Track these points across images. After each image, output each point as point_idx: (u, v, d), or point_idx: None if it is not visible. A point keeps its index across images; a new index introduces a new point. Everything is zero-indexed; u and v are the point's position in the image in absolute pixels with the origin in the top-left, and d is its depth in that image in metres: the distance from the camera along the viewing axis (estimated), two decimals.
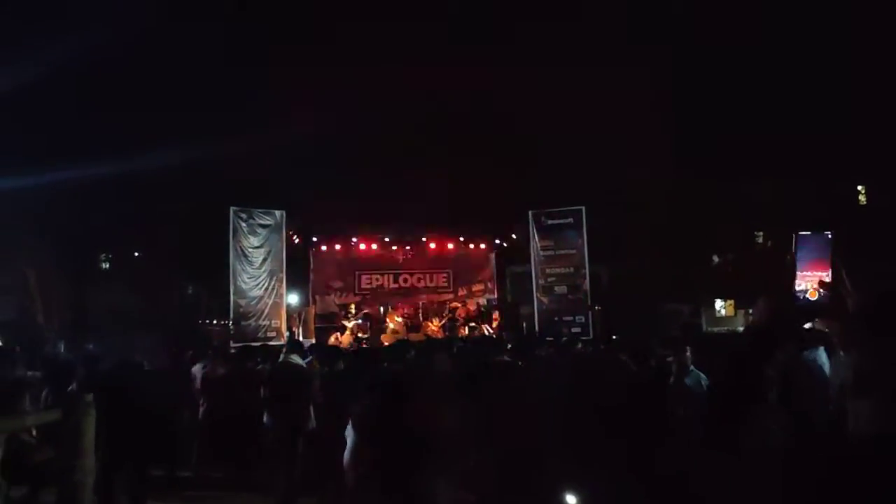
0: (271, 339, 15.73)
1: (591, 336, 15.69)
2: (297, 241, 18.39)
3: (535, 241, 17.76)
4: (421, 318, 18.68)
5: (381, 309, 19.11)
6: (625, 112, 20.74)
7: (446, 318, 18.59)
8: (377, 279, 20.12)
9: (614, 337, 13.73)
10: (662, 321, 19.52)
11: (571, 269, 17.45)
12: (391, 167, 22.64)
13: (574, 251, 17.47)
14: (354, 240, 19.60)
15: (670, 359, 6.47)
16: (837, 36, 21.02)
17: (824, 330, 4.98)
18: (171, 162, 20.63)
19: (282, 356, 7.45)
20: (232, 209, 16.29)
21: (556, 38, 22.47)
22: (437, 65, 21.86)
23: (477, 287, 20.34)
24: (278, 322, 16.53)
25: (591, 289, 17.39)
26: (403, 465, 4.47)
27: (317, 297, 19.59)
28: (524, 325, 17.71)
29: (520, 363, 6.95)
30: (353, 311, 18.43)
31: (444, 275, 20.32)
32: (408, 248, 20.01)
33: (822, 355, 5.39)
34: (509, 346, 8.88)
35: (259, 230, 16.59)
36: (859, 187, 26.71)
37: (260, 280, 16.40)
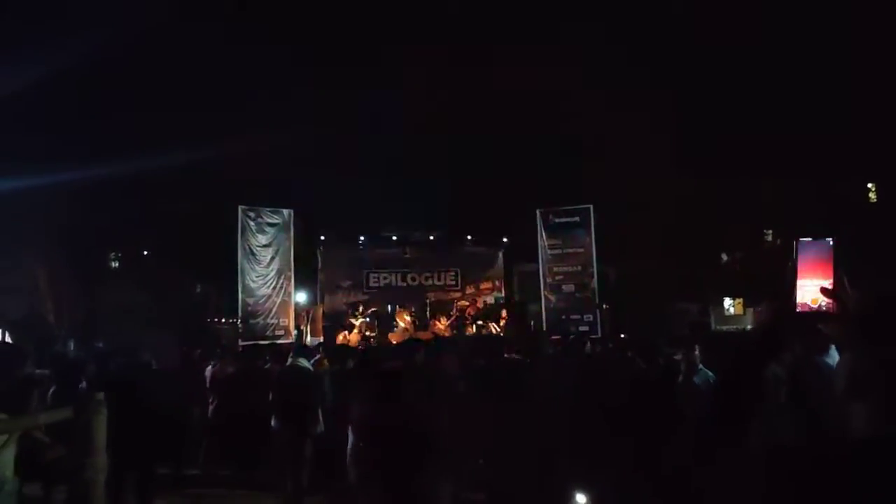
0: (279, 337, 15.80)
1: (599, 335, 15.67)
2: (305, 239, 18.43)
3: (543, 240, 17.73)
4: (429, 317, 18.68)
5: (389, 307, 19.13)
6: (633, 111, 20.69)
7: (454, 317, 18.59)
8: (385, 277, 20.12)
9: (622, 335, 13.72)
10: (671, 320, 19.49)
11: (579, 268, 17.42)
12: (399, 166, 22.68)
13: (582, 250, 17.44)
14: (362, 238, 19.61)
15: (677, 357, 6.45)
16: (846, 35, 20.89)
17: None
18: (179, 161, 20.71)
19: (289, 360, 7.46)
20: (240, 208, 16.35)
21: (565, 37, 22.43)
22: (444, 64, 21.86)
23: (485, 285, 20.32)
24: (286, 320, 16.58)
25: (598, 287, 17.35)
26: (404, 464, 4.47)
27: (325, 296, 19.64)
28: (532, 323, 17.69)
29: (528, 361, 6.94)
30: (361, 309, 18.46)
31: (452, 273, 20.30)
32: (416, 246, 20.01)
33: (834, 355, 5.36)
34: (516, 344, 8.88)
35: (267, 229, 16.65)
36: (869, 185, 26.54)
37: (268, 279, 16.46)
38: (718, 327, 25.15)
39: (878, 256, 15.64)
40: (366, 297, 19.64)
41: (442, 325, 18.03)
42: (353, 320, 17.88)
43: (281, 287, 16.57)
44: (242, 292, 16.06)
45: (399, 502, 4.52)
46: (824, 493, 1.85)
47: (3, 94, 16.06)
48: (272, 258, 16.59)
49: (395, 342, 15.28)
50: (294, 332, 16.53)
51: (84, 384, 6.81)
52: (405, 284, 20.05)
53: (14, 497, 3.64)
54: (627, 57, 21.67)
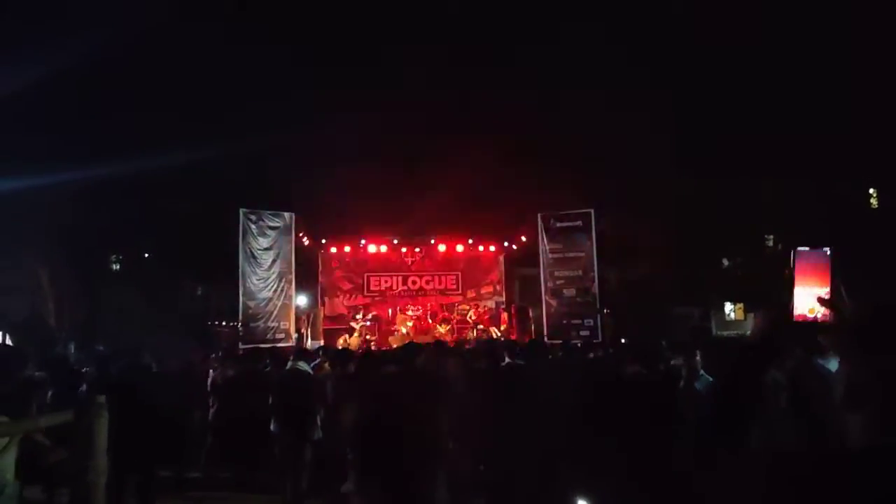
0: (280, 340, 15.79)
1: (600, 339, 15.65)
2: (306, 242, 18.44)
3: (544, 244, 17.74)
4: (429, 321, 18.68)
5: (390, 311, 19.13)
6: (634, 116, 20.71)
7: (455, 321, 18.59)
8: (386, 281, 20.12)
9: (623, 340, 13.70)
10: (672, 324, 19.47)
11: (580, 272, 17.42)
12: (400, 169, 22.70)
13: (583, 254, 17.44)
14: (363, 241, 19.62)
15: (674, 362, 6.43)
16: (847, 41, 20.91)
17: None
18: (180, 164, 20.76)
19: (289, 363, 7.47)
20: (241, 211, 16.37)
21: (568, 42, 22.46)
22: (445, 66, 21.90)
23: (485, 289, 20.31)
24: (287, 323, 16.58)
25: (599, 292, 17.35)
26: (404, 468, 4.47)
27: (325, 299, 19.63)
28: (533, 327, 17.69)
29: (528, 365, 6.93)
30: (362, 312, 18.46)
31: (453, 277, 20.29)
32: (417, 249, 20.01)
33: (834, 364, 5.37)
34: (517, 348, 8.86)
35: (268, 232, 16.66)
36: (871, 190, 26.53)
37: (269, 282, 16.46)
38: (719, 332, 25.14)
39: (875, 266, 15.62)
40: (367, 300, 19.65)
41: (443, 328, 18.04)
42: (353, 324, 17.89)
43: (282, 290, 16.58)
44: (243, 295, 16.06)
45: None
46: (823, 502, 1.86)
47: (4, 94, 16.11)
48: (273, 261, 16.60)
49: (395, 346, 15.27)
50: (295, 336, 16.52)
51: (84, 387, 6.82)
52: (406, 288, 20.05)
53: (15, 500, 3.64)
54: (629, 63, 21.70)
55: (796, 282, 10.77)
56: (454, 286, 20.24)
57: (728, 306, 30.82)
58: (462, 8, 24.09)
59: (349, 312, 18.91)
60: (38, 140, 19.45)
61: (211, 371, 9.02)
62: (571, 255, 17.55)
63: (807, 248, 11.32)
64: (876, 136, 20.78)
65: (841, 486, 1.89)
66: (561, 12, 23.65)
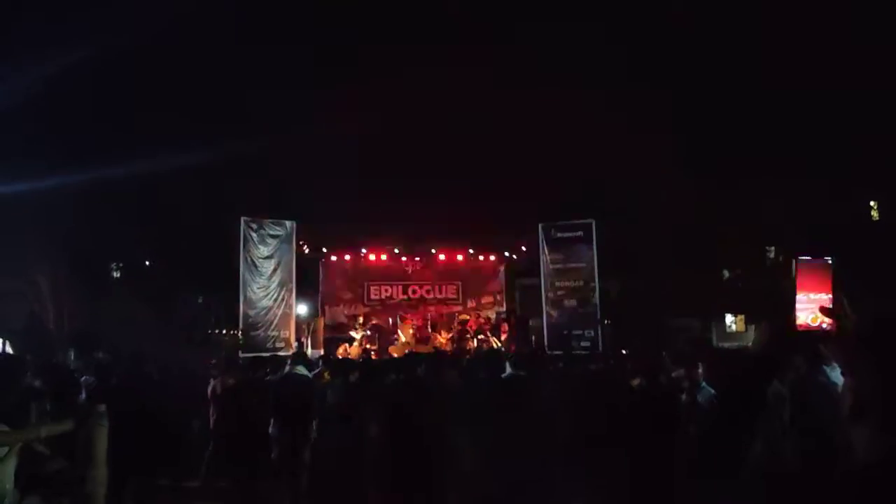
0: (280, 349, 15.75)
1: (601, 350, 15.61)
2: (306, 251, 18.43)
3: (545, 254, 17.72)
4: (430, 330, 18.65)
5: (390, 320, 19.10)
6: (636, 126, 20.75)
7: (455, 331, 18.56)
8: (386, 290, 20.11)
9: (624, 352, 13.66)
10: (672, 336, 19.43)
11: (581, 283, 17.39)
12: (401, 179, 22.73)
13: (584, 264, 17.41)
14: (364, 251, 19.62)
15: (674, 374, 6.40)
16: (849, 53, 20.96)
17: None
18: (182, 172, 20.79)
19: (287, 367, 7.46)
20: (242, 219, 16.37)
21: (569, 52, 22.52)
22: (447, 77, 21.95)
23: (486, 299, 20.29)
24: (287, 332, 16.55)
25: (600, 302, 17.32)
26: (413, 479, 4.46)
27: (326, 308, 19.61)
28: (533, 338, 17.64)
29: (528, 377, 6.91)
30: (362, 321, 18.43)
31: (454, 286, 20.28)
32: (417, 259, 20.01)
33: (836, 374, 5.35)
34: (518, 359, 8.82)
35: (269, 240, 16.66)
36: (872, 202, 26.54)
37: (270, 290, 16.45)
38: (720, 344, 25.06)
39: (877, 276, 15.61)
40: (367, 309, 19.62)
41: (443, 338, 18.00)
42: (353, 333, 17.85)
43: (282, 299, 16.56)
44: (244, 304, 16.04)
45: None
46: None
47: (7, 101, 16.16)
48: (274, 270, 16.58)
49: (395, 355, 15.24)
50: (295, 345, 16.48)
51: (83, 395, 6.79)
52: (406, 297, 20.03)
53: None
54: (630, 75, 21.76)
55: (798, 291, 10.76)
56: (454, 296, 20.22)
57: (729, 317, 30.77)
58: (462, 12, 24.20)
59: (349, 321, 18.87)
60: (39, 147, 19.49)
61: (211, 379, 9.00)
62: (572, 265, 17.53)
63: (808, 258, 11.32)
64: (878, 148, 20.81)
65: (847, 501, 1.88)
66: (560, 15, 23.71)
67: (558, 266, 17.61)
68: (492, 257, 20.16)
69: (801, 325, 9.89)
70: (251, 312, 16.10)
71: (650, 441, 4.97)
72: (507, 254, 20.08)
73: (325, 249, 19.41)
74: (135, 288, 24.03)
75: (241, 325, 16.06)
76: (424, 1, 25.21)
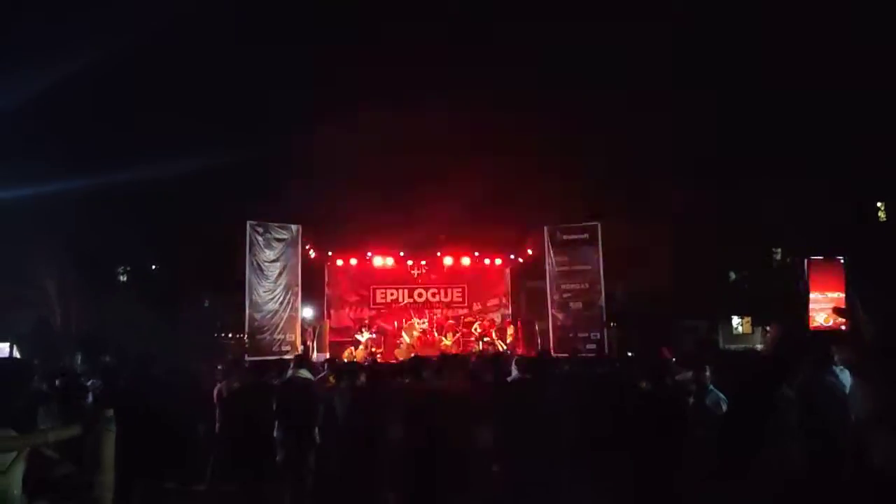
0: (286, 352, 15.75)
1: (607, 353, 15.59)
2: (312, 255, 18.46)
3: (551, 257, 17.72)
4: (435, 333, 18.66)
5: (396, 323, 19.11)
6: (642, 128, 20.72)
7: (461, 334, 18.56)
8: (392, 293, 20.13)
9: (630, 354, 13.63)
10: (678, 338, 19.36)
11: (587, 285, 17.38)
12: (407, 182, 22.72)
13: (589, 267, 17.40)
14: (370, 254, 19.64)
15: (681, 377, 6.37)
16: (855, 53, 20.90)
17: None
18: (188, 175, 20.84)
19: (289, 371, 7.46)
20: (248, 223, 16.42)
21: (572, 53, 22.52)
22: (453, 82, 21.98)
23: (492, 302, 20.29)
24: (293, 336, 16.58)
25: (606, 305, 17.28)
26: (438, 482, 4.48)
27: (331, 311, 19.64)
28: (539, 341, 17.63)
29: (534, 380, 6.89)
30: (368, 325, 18.46)
31: (459, 290, 20.29)
32: (423, 262, 20.01)
33: (845, 376, 5.32)
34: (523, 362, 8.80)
35: (275, 244, 16.70)
36: (879, 203, 26.43)
37: (275, 294, 16.48)
38: (727, 346, 24.99)
39: (887, 277, 15.53)
40: (372, 313, 19.65)
41: (448, 341, 18.01)
42: (359, 336, 17.88)
43: (288, 302, 16.60)
44: (250, 307, 16.08)
45: None
46: None
47: (13, 106, 16.24)
48: (280, 273, 16.62)
49: (401, 358, 15.26)
50: (301, 348, 16.50)
51: (90, 399, 6.81)
52: (412, 301, 20.04)
53: None
54: (637, 76, 21.72)
55: (812, 290, 10.70)
56: (460, 299, 20.23)
57: (735, 319, 30.70)
58: (465, 22, 24.24)
59: (355, 325, 18.90)
60: (44, 152, 19.57)
61: (217, 383, 9.00)
62: (578, 268, 17.51)
63: (821, 258, 11.26)
64: (884, 149, 20.72)
65: None
66: (561, 15, 23.70)
67: (564, 268, 17.60)
68: (497, 260, 20.16)
69: (815, 327, 9.82)
70: (257, 316, 16.14)
71: (656, 444, 4.95)
72: (512, 256, 20.07)
73: (330, 253, 19.43)
74: (141, 291, 24.05)
75: (247, 329, 16.09)
76: (425, 2, 25.27)
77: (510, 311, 20.09)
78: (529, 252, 19.40)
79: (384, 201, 22.23)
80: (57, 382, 7.21)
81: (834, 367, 5.83)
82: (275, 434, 7.01)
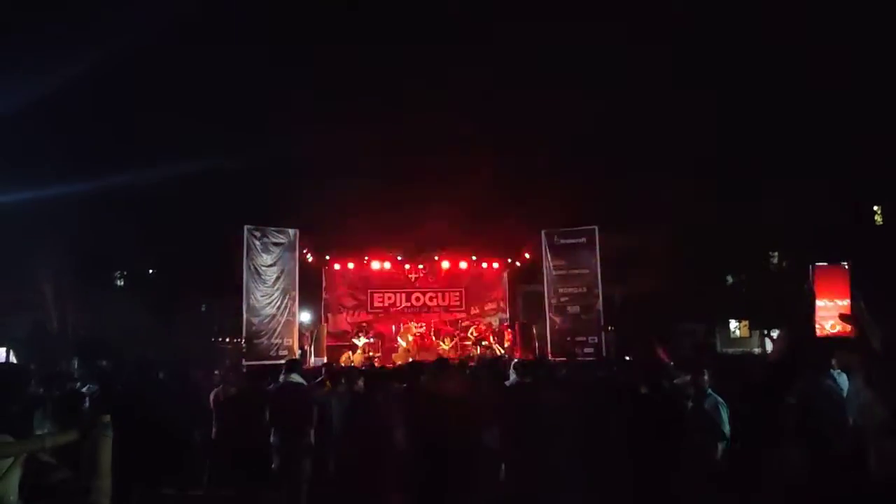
0: (283, 357, 15.70)
1: (604, 357, 15.57)
2: (310, 259, 18.43)
3: (548, 261, 17.71)
4: (433, 337, 18.64)
5: (394, 327, 19.08)
6: (639, 132, 20.76)
7: (458, 338, 18.54)
8: (389, 297, 20.10)
9: (627, 358, 13.61)
10: (676, 342, 19.36)
11: (584, 289, 17.37)
12: (404, 186, 22.74)
13: (587, 271, 17.40)
14: (367, 258, 19.62)
15: (678, 380, 6.35)
16: (852, 57, 20.97)
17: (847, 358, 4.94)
18: (185, 180, 20.85)
19: (282, 376, 7.45)
20: (246, 228, 16.40)
21: (570, 54, 22.57)
22: (450, 86, 22.01)
23: (489, 306, 20.27)
24: (290, 340, 16.55)
25: (603, 309, 17.28)
26: (439, 486, 4.47)
27: (329, 316, 19.61)
28: (536, 345, 17.62)
29: (532, 384, 6.88)
30: (365, 329, 18.43)
31: (457, 293, 20.26)
32: (420, 266, 20.00)
33: (843, 380, 5.32)
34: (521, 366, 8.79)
35: (272, 248, 16.67)
36: (875, 207, 26.45)
37: (273, 298, 16.45)
38: (724, 349, 24.99)
39: (886, 281, 15.53)
40: (370, 317, 19.62)
41: (446, 345, 17.99)
42: (356, 340, 17.85)
43: (285, 307, 16.57)
44: (247, 312, 16.05)
45: None
46: None
47: (12, 111, 16.23)
48: (277, 278, 16.59)
49: (398, 362, 15.23)
50: (298, 353, 16.48)
51: (87, 403, 6.78)
52: (410, 305, 20.02)
53: None
54: (634, 80, 21.76)
55: (817, 298, 10.69)
56: (458, 303, 20.20)
57: (733, 323, 30.69)
58: (464, 24, 24.26)
59: (352, 329, 18.87)
60: (42, 156, 19.56)
61: (213, 388, 8.97)
62: (575, 271, 17.51)
63: (825, 264, 11.26)
64: (881, 152, 20.76)
65: None
66: (561, 16, 23.77)
67: (561, 272, 17.60)
68: (495, 264, 20.15)
69: (823, 334, 9.81)
70: (254, 320, 16.11)
71: (654, 447, 4.94)
72: (510, 260, 20.06)
73: (328, 257, 19.41)
74: (138, 296, 24.03)
75: (244, 333, 16.05)
76: (425, 4, 25.32)
77: (508, 315, 20.07)
78: (527, 256, 19.39)
79: (382, 205, 22.25)
80: (53, 388, 7.19)
81: (832, 371, 5.84)
82: (271, 440, 7.00)
